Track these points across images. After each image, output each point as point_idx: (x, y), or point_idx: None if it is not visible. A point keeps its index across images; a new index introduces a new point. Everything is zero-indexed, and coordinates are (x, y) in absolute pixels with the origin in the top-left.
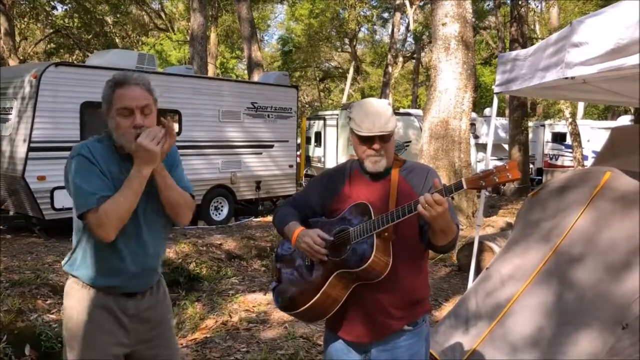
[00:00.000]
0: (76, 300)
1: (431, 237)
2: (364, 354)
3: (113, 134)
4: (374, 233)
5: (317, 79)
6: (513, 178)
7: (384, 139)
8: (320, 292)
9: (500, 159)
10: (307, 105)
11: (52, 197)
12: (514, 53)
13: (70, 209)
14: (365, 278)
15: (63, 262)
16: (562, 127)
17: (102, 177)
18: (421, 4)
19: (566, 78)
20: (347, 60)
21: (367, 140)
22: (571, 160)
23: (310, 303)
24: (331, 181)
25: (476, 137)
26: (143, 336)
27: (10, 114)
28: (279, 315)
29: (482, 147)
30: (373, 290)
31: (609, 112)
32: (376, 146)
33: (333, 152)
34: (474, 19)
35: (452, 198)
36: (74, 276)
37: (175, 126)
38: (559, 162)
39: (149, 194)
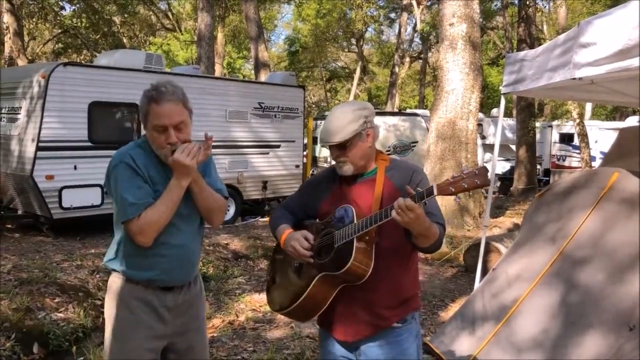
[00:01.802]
0: (117, 294)
1: (413, 239)
2: (355, 351)
3: (151, 144)
4: (354, 237)
5: (324, 79)
6: (481, 184)
7: (340, 147)
8: (306, 293)
9: (508, 160)
10: (313, 106)
11: (60, 197)
12: (521, 53)
13: (78, 208)
14: (348, 281)
15: (104, 260)
16: (569, 127)
17: (144, 186)
18: (428, 4)
19: (574, 79)
20: (353, 61)
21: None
22: (579, 161)
23: (296, 303)
24: (322, 183)
25: (483, 137)
26: (179, 329)
27: (19, 113)
28: None
29: (489, 148)
30: (360, 291)
31: (617, 112)
32: (333, 154)
33: None
34: (481, 19)
35: (425, 203)
36: (115, 271)
37: None
38: (566, 163)
39: (187, 194)
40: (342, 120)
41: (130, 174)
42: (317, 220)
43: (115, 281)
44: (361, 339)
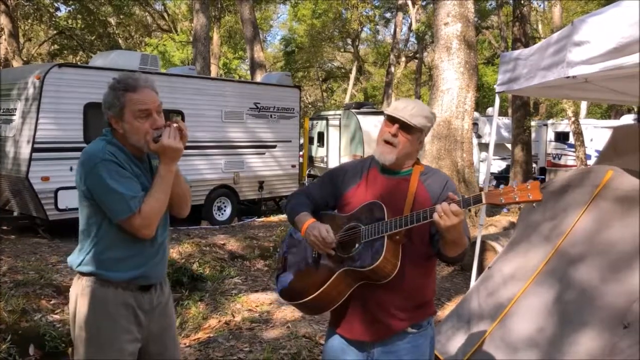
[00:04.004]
0: (94, 299)
1: (442, 247)
2: (365, 352)
3: (130, 137)
4: (386, 235)
5: (320, 79)
6: (534, 199)
7: (404, 128)
8: (325, 286)
9: (503, 159)
10: (309, 106)
11: (55, 198)
12: (516, 52)
13: (74, 209)
14: (372, 278)
15: (75, 264)
16: (565, 126)
17: (134, 179)
18: (423, 3)
19: (568, 77)
20: (349, 61)
21: (389, 120)
22: (574, 159)
23: (312, 296)
24: (348, 176)
25: (479, 136)
26: (152, 332)
27: (14, 115)
28: (281, 314)
29: (484, 147)
30: (377, 290)
31: (612, 111)
32: (393, 130)
33: (335, 152)
34: (476, 19)
35: (469, 210)
36: (92, 275)
37: None
38: (562, 162)
39: None
40: (422, 111)
41: (117, 169)
42: (336, 211)
43: (89, 285)
44: (375, 340)
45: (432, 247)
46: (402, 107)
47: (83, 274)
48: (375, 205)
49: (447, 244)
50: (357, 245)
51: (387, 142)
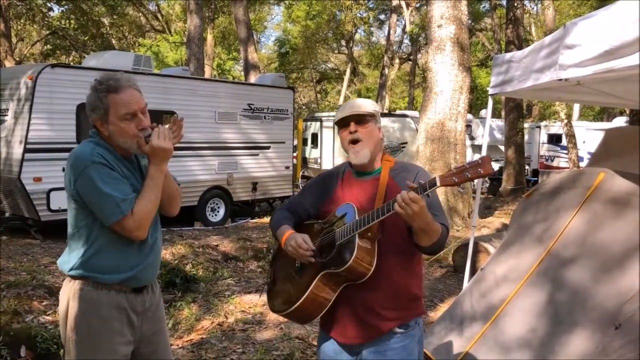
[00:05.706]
0: (87, 302)
1: (414, 237)
2: (355, 355)
3: (116, 139)
4: (356, 233)
5: (314, 80)
6: (485, 173)
7: (360, 121)
8: (307, 292)
9: (496, 160)
10: (303, 107)
11: (48, 199)
12: (508, 55)
13: (66, 210)
14: (350, 279)
15: (66, 269)
16: (557, 128)
17: (124, 181)
18: (417, 5)
19: (560, 80)
20: (343, 62)
21: (344, 125)
22: (567, 161)
23: (298, 304)
24: (325, 183)
25: (472, 138)
26: (145, 333)
27: (7, 115)
28: (274, 316)
29: (478, 149)
30: (361, 291)
31: (604, 113)
32: (352, 128)
33: (329, 153)
34: (470, 21)
35: (428, 195)
36: (84, 278)
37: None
38: (554, 164)
39: None
40: (363, 101)
41: (107, 172)
42: (319, 220)
43: (81, 288)
44: (363, 342)
45: (410, 239)
46: (346, 107)
47: (74, 277)
48: (347, 207)
49: (417, 234)
50: (333, 249)
51: (352, 142)
